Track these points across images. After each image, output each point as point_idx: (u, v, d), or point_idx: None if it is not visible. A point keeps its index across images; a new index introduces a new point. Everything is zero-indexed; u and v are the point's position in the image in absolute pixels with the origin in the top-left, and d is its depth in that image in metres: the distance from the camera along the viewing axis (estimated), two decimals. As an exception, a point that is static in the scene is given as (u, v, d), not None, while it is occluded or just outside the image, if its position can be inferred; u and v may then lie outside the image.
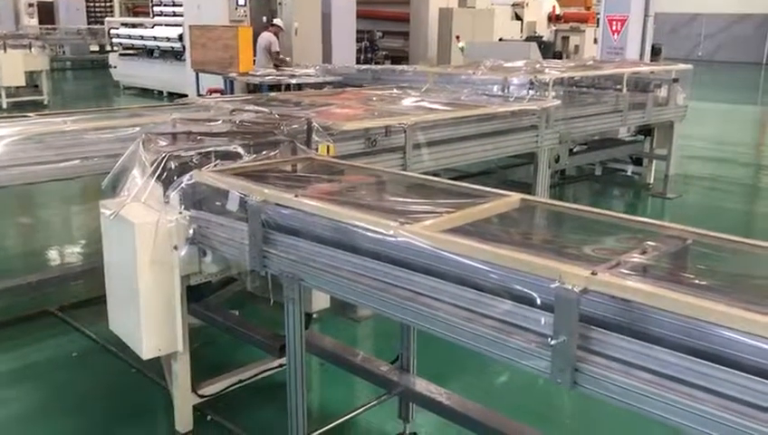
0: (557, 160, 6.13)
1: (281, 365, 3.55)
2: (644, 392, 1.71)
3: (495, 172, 6.57)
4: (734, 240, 2.13)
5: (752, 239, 2.12)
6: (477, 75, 6.46)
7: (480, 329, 2.00)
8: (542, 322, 1.87)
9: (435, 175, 6.57)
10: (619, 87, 7.08)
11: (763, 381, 1.54)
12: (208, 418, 3.37)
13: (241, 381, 3.40)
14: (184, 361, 3.13)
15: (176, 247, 2.92)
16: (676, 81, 7.40)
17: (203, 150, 3.14)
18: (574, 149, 7.72)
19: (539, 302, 1.88)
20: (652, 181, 8.15)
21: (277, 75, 9.73)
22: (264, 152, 3.24)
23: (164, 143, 3.30)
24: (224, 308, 3.78)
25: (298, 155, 3.36)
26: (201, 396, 3.26)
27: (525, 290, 1.90)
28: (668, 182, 7.74)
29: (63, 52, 22.51)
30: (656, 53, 11.43)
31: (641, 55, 9.92)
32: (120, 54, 17.11)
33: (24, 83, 13.34)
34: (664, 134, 7.80)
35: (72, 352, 4.07)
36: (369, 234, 2.25)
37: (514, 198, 2.53)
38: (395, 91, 6.34)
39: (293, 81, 9.24)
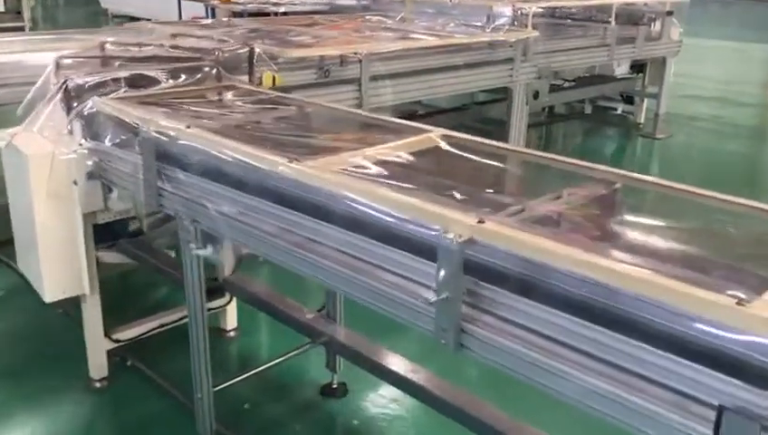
0: (535, 97, 5.80)
1: (209, 309, 3.35)
2: (533, 360, 1.48)
3: (471, 108, 6.24)
4: (669, 186, 1.85)
5: (688, 186, 1.84)
6: (454, 2, 6.06)
7: (365, 281, 1.76)
8: (428, 276, 1.63)
9: (413, 110, 6.32)
10: (609, 20, 6.66)
11: (656, 351, 1.30)
12: (128, 363, 3.18)
13: (162, 326, 3.21)
14: (93, 304, 2.92)
15: (75, 182, 2.67)
16: (670, 14, 6.96)
17: (112, 76, 2.86)
18: (564, 85, 7.38)
19: (425, 253, 1.63)
20: (643, 121, 7.80)
21: (260, 2, 9.31)
22: (181, 79, 2.96)
23: (75, 68, 3.03)
24: (159, 249, 3.57)
25: (223, 83, 3.08)
26: (116, 341, 3.07)
27: (410, 239, 1.65)
28: (658, 122, 7.40)
29: (54, -22, 21.83)
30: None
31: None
32: (108, -19, 16.52)
33: (2, 9, 12.86)
34: (656, 71, 7.41)
35: (-2, 290, 3.88)
36: (256, 171, 1.99)
37: (436, 133, 2.26)
38: (370, 18, 5.99)
39: (276, 8, 8.84)
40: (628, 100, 8.11)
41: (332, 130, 2.42)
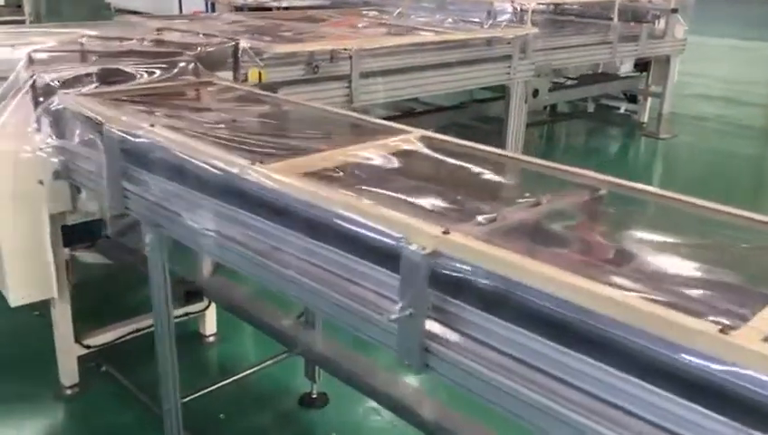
0: (535, 95, 5.66)
1: (187, 314, 3.25)
2: (499, 385, 1.36)
3: (469, 106, 6.10)
4: (658, 194, 1.72)
5: (679, 194, 1.69)
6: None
7: (329, 293, 1.64)
8: (393, 289, 1.50)
9: (410, 107, 6.18)
10: (612, 17, 6.50)
11: (633, 380, 1.17)
12: (102, 369, 3.07)
13: (138, 331, 3.09)
14: (62, 308, 2.81)
15: (41, 182, 2.56)
16: (675, 11, 6.80)
17: (83, 71, 2.74)
18: (566, 83, 7.24)
19: (389, 265, 1.50)
20: (646, 120, 7.64)
21: (262, -4, 9.19)
22: (156, 75, 2.84)
23: (49, 63, 2.91)
24: (140, 249, 3.45)
25: (201, 78, 2.95)
26: (87, 347, 2.96)
27: (373, 249, 1.52)
28: (662, 122, 7.24)
29: (58, -28, 21.73)
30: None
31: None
32: (111, -25, 16.42)
33: (2, 2, 12.76)
34: (660, 70, 7.25)
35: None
36: (217, 173, 1.86)
37: (415, 135, 2.14)
38: (368, 13, 5.88)
39: (278, 3, 8.72)
40: (632, 98, 7.95)
41: (307, 129, 2.29)
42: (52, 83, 2.62)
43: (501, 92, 5.90)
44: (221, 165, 1.83)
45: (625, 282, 1.29)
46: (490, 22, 5.46)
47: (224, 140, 2.09)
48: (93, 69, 2.73)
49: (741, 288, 1.30)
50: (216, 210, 1.89)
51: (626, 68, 7.60)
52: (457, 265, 1.36)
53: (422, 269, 1.39)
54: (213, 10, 9.82)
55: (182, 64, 2.89)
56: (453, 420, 2.25)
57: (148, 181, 2.13)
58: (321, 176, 1.76)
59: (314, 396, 2.92)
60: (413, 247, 1.39)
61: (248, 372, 3.00)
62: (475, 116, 6.07)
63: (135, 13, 16.27)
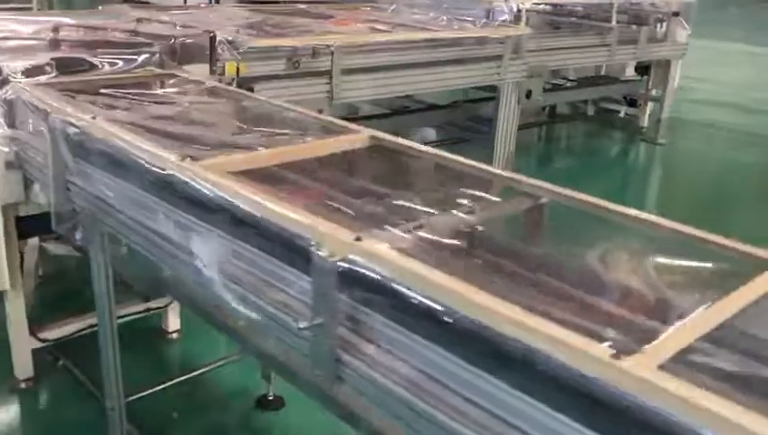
0: (528, 96, 5.56)
1: (148, 309, 3.20)
2: (407, 402, 1.29)
3: (462, 106, 6.00)
4: (604, 207, 1.63)
5: (625, 208, 1.60)
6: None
7: (246, 295, 1.58)
8: (307, 295, 1.44)
9: (402, 105, 6.09)
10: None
11: (538, 405, 1.11)
12: (60, 363, 3.02)
13: (92, 326, 3.03)
14: (16, 301, 2.76)
15: (-8, 172, 2.52)
16: (676, 14, 6.69)
17: (44, 61, 2.69)
18: (566, 85, 7.15)
19: (303, 271, 1.44)
20: (646, 124, 7.51)
21: (266, -10, 9.13)
22: (119, 65, 2.79)
23: (15, 51, 2.87)
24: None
25: (164, 70, 2.89)
26: (43, 340, 2.91)
27: (287, 253, 1.46)
28: (661, 127, 7.12)
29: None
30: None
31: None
32: (121, -36, 16.43)
33: (10, -11, 12.76)
34: (661, 74, 7.14)
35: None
36: (147, 167, 1.80)
37: (364, 134, 2.07)
38: (363, 8, 5.82)
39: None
40: (632, 102, 7.84)
41: (256, 126, 2.21)
42: (10, 72, 2.57)
43: (494, 92, 5.81)
44: (150, 159, 1.78)
45: (537, 298, 1.22)
46: (483, 21, 5.38)
47: (164, 134, 2.03)
48: (53, 58, 2.68)
49: (658, 309, 1.22)
50: (147, 205, 1.84)
51: (627, 71, 7.51)
52: (367, 273, 1.30)
53: (331, 276, 1.33)
54: (218, 1, 9.77)
55: (146, 56, 2.84)
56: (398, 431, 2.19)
57: (88, 174, 2.08)
58: (250, 174, 1.70)
59: (271, 398, 2.86)
60: (322, 253, 1.33)
61: (206, 370, 2.95)
62: (469, 116, 5.98)
63: (143, 2, 16.24)
